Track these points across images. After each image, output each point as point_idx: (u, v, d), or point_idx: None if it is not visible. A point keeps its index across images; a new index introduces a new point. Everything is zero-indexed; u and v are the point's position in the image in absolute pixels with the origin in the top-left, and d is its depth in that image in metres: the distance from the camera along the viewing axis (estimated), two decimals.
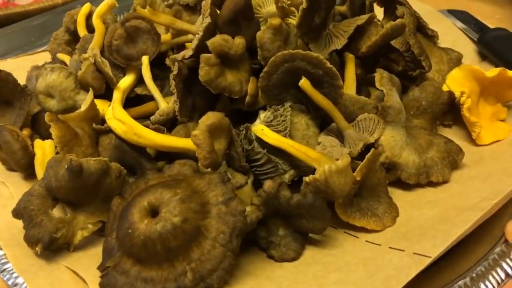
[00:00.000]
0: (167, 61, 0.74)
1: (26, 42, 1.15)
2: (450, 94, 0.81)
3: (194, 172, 0.67)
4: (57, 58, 0.89)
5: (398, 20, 0.80)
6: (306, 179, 0.63)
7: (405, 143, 0.74)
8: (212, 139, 0.64)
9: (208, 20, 0.70)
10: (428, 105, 0.81)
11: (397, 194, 0.73)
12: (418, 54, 0.85)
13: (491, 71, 0.80)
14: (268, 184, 0.64)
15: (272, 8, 0.79)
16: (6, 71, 0.80)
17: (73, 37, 0.96)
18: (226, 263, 0.59)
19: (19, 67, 0.98)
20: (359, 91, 0.82)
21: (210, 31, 0.71)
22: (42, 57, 1.04)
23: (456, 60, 0.95)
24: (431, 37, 0.96)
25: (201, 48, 0.71)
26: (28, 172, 0.77)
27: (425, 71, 0.85)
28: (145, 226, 0.59)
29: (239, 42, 0.71)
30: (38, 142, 0.77)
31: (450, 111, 0.84)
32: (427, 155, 0.74)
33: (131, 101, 0.81)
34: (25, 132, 0.80)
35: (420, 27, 0.95)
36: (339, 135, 0.75)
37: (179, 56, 0.73)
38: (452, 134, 0.83)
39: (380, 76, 0.76)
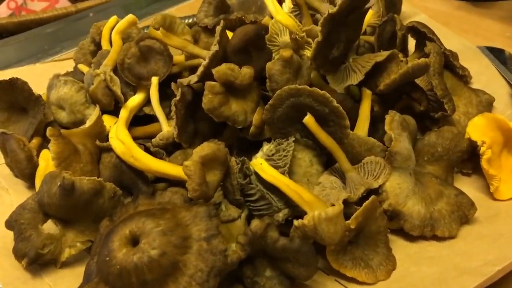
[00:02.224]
0: (173, 86, 0.73)
1: (39, 50, 1.18)
2: (471, 142, 0.76)
3: (185, 201, 0.65)
4: (78, 69, 0.90)
5: (421, 60, 0.76)
6: (295, 223, 0.61)
7: (412, 192, 0.69)
8: (204, 171, 0.63)
9: (215, 48, 0.69)
10: (444, 152, 0.76)
11: (398, 244, 0.69)
12: (441, 96, 0.80)
13: None
14: (255, 224, 0.62)
15: (287, 38, 0.77)
16: (23, 79, 0.82)
17: (98, 48, 0.96)
18: None
19: (45, 72, 1.01)
20: (376, 129, 0.78)
21: (216, 59, 0.69)
22: (70, 64, 1.06)
23: (486, 104, 0.89)
24: (462, 76, 0.91)
25: (207, 75, 0.69)
26: (31, 181, 0.78)
27: (447, 114, 0.80)
28: (122, 255, 0.57)
29: (245, 72, 0.70)
30: (44, 153, 0.77)
31: (470, 160, 0.79)
32: (435, 206, 0.70)
33: (142, 119, 0.81)
34: (35, 141, 0.81)
35: (450, 66, 0.90)
36: (343, 176, 0.71)
37: (185, 81, 0.72)
38: (470, 183, 0.78)
39: (391, 119, 0.72)
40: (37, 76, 1.01)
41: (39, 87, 0.90)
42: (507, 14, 1.19)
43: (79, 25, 1.29)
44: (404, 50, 0.94)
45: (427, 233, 0.68)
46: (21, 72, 1.05)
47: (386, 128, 0.71)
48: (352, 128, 0.75)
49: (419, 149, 0.76)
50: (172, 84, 0.74)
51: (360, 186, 0.67)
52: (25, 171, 0.76)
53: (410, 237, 0.69)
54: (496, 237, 0.67)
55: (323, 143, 0.69)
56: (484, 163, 0.74)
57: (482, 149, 0.74)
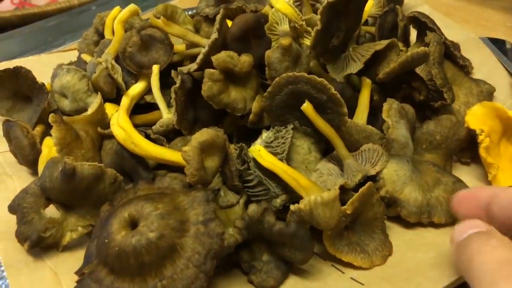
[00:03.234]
0: (173, 74, 0.74)
1: (43, 42, 1.20)
2: (469, 130, 0.76)
3: (184, 187, 0.66)
4: (81, 59, 0.92)
5: (420, 49, 0.76)
6: (292, 207, 0.61)
7: (409, 179, 0.70)
8: (202, 156, 0.64)
9: (215, 35, 0.69)
10: (443, 140, 0.76)
11: (395, 231, 0.70)
12: (440, 85, 0.80)
13: None
14: (252, 209, 0.62)
15: (287, 27, 0.77)
16: (27, 68, 0.83)
17: (101, 38, 0.97)
18: (197, 285, 0.58)
19: (50, 63, 1.02)
20: (375, 118, 0.79)
21: (216, 47, 0.70)
22: (75, 54, 1.08)
23: (487, 94, 0.89)
24: (463, 66, 0.91)
25: (207, 63, 0.70)
26: (34, 168, 0.79)
27: (447, 103, 0.81)
28: (121, 237, 0.58)
29: (245, 60, 0.70)
30: (47, 140, 0.79)
31: (468, 148, 0.79)
32: (432, 193, 0.70)
33: (143, 107, 0.82)
34: (39, 128, 0.82)
35: (451, 56, 0.90)
36: (341, 163, 0.72)
37: (185, 69, 0.73)
38: (469, 172, 0.79)
39: (389, 107, 0.73)
40: (42, 66, 1.02)
41: (43, 77, 0.91)
42: (509, 4, 1.19)
43: (82, 18, 1.31)
44: (405, 40, 0.94)
45: (424, 220, 0.69)
46: (26, 63, 1.05)
47: (384, 115, 0.72)
48: (351, 117, 0.76)
49: (417, 137, 0.76)
50: (172, 71, 0.75)
51: (357, 173, 0.68)
52: (28, 158, 0.77)
53: (407, 224, 0.70)
54: None
55: (321, 130, 0.69)
56: (482, 151, 0.74)
57: (480, 137, 0.74)
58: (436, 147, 0.77)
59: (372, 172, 0.69)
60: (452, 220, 0.69)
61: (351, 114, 0.76)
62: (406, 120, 0.73)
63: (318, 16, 0.71)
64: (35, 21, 1.33)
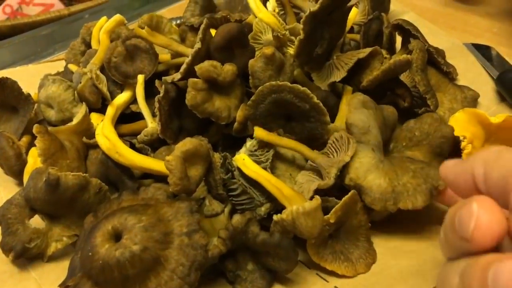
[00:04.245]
0: (157, 83, 0.74)
1: (32, 52, 1.20)
2: (453, 128, 0.75)
3: (168, 197, 0.66)
4: (68, 69, 0.92)
5: (403, 56, 0.77)
6: (275, 217, 0.62)
7: (374, 166, 0.67)
8: (185, 166, 0.64)
9: (198, 45, 0.70)
10: (423, 137, 0.74)
11: (379, 239, 0.70)
12: (423, 92, 0.81)
13: (497, 117, 0.75)
14: (236, 219, 0.63)
15: (271, 36, 0.78)
16: (12, 79, 0.83)
17: (88, 48, 0.98)
18: None
19: (38, 73, 1.02)
20: None
21: (199, 57, 0.71)
22: (63, 64, 1.08)
23: (471, 100, 0.90)
24: (447, 73, 0.92)
25: (191, 72, 0.71)
26: (20, 178, 0.79)
27: (430, 110, 0.81)
28: (105, 250, 0.58)
29: (228, 69, 0.71)
30: (33, 151, 0.79)
31: (453, 155, 0.79)
32: (399, 181, 0.67)
33: (129, 117, 0.83)
34: (25, 139, 0.82)
35: (434, 63, 0.91)
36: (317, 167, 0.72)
37: (168, 78, 0.73)
38: None
39: (352, 97, 0.72)
40: (30, 76, 1.02)
41: (31, 87, 0.91)
42: (494, 10, 1.20)
43: (73, 27, 1.31)
44: (391, 48, 0.95)
45: (390, 207, 0.65)
46: (14, 73, 1.07)
47: (344, 103, 0.71)
48: None
49: (397, 135, 0.75)
50: (156, 81, 0.75)
51: (330, 168, 0.67)
52: (14, 168, 0.77)
53: (391, 232, 0.70)
54: None
55: (283, 146, 0.70)
56: (464, 157, 0.74)
57: (463, 144, 0.74)
58: (416, 143, 0.74)
59: (347, 159, 0.67)
60: (419, 205, 0.65)
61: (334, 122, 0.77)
62: (372, 111, 0.71)
63: (301, 26, 0.71)
64: (25, 31, 1.33)
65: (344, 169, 0.67)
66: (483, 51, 1.01)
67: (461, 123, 0.77)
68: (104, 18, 0.95)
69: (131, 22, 1.29)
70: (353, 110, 0.69)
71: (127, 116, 0.82)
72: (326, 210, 0.65)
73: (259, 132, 0.68)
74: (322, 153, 0.70)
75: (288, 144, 0.69)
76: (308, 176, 0.70)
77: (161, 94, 0.71)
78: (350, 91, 0.78)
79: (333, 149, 0.70)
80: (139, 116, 0.82)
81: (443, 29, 1.12)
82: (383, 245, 0.69)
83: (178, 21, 1.10)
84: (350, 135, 0.69)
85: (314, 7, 0.70)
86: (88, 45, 0.98)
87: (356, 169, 0.67)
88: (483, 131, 0.77)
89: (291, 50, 0.78)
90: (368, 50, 0.78)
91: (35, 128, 0.71)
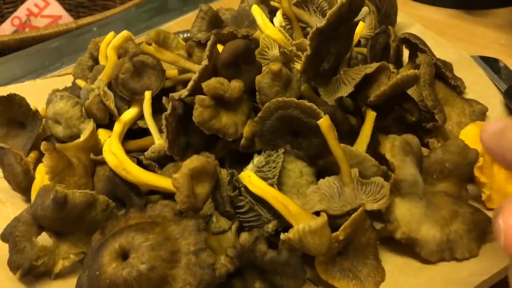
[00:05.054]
0: (164, 100, 0.74)
1: (40, 67, 1.20)
2: (477, 152, 0.73)
3: (175, 214, 0.66)
4: (76, 84, 0.92)
5: (410, 71, 0.76)
6: (282, 236, 0.61)
7: (424, 216, 0.67)
8: (192, 183, 0.64)
9: (205, 62, 0.70)
10: (454, 167, 0.72)
11: (387, 255, 0.69)
12: (431, 107, 0.80)
13: None
14: (244, 237, 0.62)
15: (278, 51, 0.78)
16: (20, 95, 0.84)
17: (96, 63, 0.98)
18: None
19: (46, 88, 1.03)
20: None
21: (207, 73, 0.71)
22: (71, 79, 1.08)
23: (479, 113, 0.89)
24: (455, 86, 0.92)
25: (198, 89, 0.71)
26: (28, 195, 0.79)
27: (438, 124, 0.81)
28: (112, 269, 0.58)
29: (235, 85, 0.71)
30: (40, 167, 0.79)
31: None
32: (450, 228, 0.68)
33: (137, 133, 0.83)
34: (33, 155, 0.83)
35: (442, 76, 0.91)
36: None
37: (176, 95, 0.73)
38: None
39: (391, 146, 0.70)
40: (38, 91, 1.03)
41: (39, 102, 0.92)
42: (502, 21, 1.20)
43: (80, 41, 1.32)
44: (398, 61, 0.95)
45: (447, 257, 0.67)
46: (22, 88, 1.07)
47: (387, 155, 0.69)
48: (346, 139, 0.75)
49: (426, 167, 0.73)
50: (164, 98, 0.75)
51: (347, 204, 0.67)
52: (22, 185, 0.78)
53: (400, 248, 0.69)
54: (485, 248, 0.67)
55: (331, 150, 0.68)
56: (475, 171, 0.74)
57: None
58: (447, 175, 0.73)
59: (369, 207, 0.66)
60: (476, 253, 0.67)
61: (344, 136, 0.76)
62: (412, 155, 0.70)
63: (308, 42, 0.71)
64: (33, 45, 1.34)
65: (393, 222, 0.67)
66: (491, 64, 1.00)
67: (471, 137, 0.76)
68: (111, 33, 0.95)
69: (139, 35, 1.30)
70: (401, 164, 0.67)
71: (135, 132, 0.82)
72: (335, 226, 0.65)
73: (325, 121, 0.65)
74: (356, 181, 0.69)
75: (338, 154, 0.67)
76: (329, 187, 0.69)
77: (168, 111, 0.71)
78: (373, 116, 0.76)
79: (368, 187, 0.68)
80: (146, 132, 0.82)
81: (450, 40, 1.11)
82: (391, 262, 0.68)
83: (185, 35, 1.10)
84: (395, 191, 0.68)
85: (321, 23, 0.69)
86: (95, 60, 0.99)
87: (408, 223, 0.66)
88: None
89: (298, 66, 0.78)
90: (375, 65, 0.78)
91: (43, 146, 0.71)
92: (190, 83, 0.71)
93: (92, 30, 1.40)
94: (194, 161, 0.65)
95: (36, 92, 1.03)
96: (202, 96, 0.70)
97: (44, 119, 0.86)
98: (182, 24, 1.32)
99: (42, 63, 1.23)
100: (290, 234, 0.60)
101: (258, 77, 0.72)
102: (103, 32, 1.27)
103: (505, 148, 0.47)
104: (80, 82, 0.91)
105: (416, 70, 0.77)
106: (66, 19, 2.01)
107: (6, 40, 1.35)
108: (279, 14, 0.90)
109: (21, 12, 2.04)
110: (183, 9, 1.46)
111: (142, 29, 1.35)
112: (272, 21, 0.87)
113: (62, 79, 1.09)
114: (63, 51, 1.30)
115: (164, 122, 0.70)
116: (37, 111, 0.84)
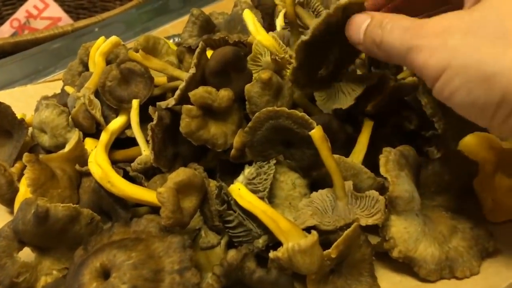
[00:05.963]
0: (150, 110, 0.72)
1: (34, 71, 1.18)
2: (477, 164, 0.70)
3: (160, 229, 0.63)
4: (65, 91, 0.90)
5: (409, 79, 0.74)
6: (271, 255, 0.58)
7: (422, 233, 0.64)
8: (178, 198, 0.61)
9: (193, 70, 0.67)
10: (453, 180, 0.69)
11: (383, 272, 0.66)
12: (430, 115, 0.77)
13: (509, 142, 0.71)
14: (231, 255, 0.60)
15: (269, 58, 0.75)
16: (5, 104, 0.82)
17: (86, 69, 0.96)
18: None
19: (36, 94, 1.00)
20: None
21: (194, 82, 0.68)
22: (61, 85, 1.06)
23: None
24: None
25: (185, 98, 0.68)
26: (12, 207, 0.77)
27: (438, 133, 0.77)
28: None
29: (223, 94, 0.68)
30: (24, 179, 0.76)
31: None
32: (449, 244, 0.65)
33: (125, 142, 0.80)
34: (18, 165, 0.80)
35: None
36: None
37: (163, 104, 0.70)
38: None
39: (385, 160, 0.66)
40: (28, 97, 1.01)
41: (30, 109, 0.90)
42: None
43: (78, 44, 1.29)
44: (397, 66, 0.92)
45: (446, 276, 0.64)
46: (12, 94, 1.05)
47: (382, 170, 0.65)
48: (342, 150, 0.72)
49: (424, 180, 0.70)
50: (150, 108, 0.72)
51: (340, 219, 0.64)
52: (5, 196, 0.75)
53: (397, 265, 0.66)
54: (486, 265, 0.64)
55: (324, 163, 0.65)
56: (475, 184, 0.70)
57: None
58: (446, 187, 0.70)
59: (363, 222, 0.63)
60: (477, 271, 0.64)
61: (339, 146, 0.73)
62: (407, 168, 0.67)
63: (294, 54, 0.67)
64: (27, 48, 1.32)
65: (389, 240, 0.64)
66: None
67: (471, 148, 0.72)
68: (102, 38, 0.92)
69: (139, 36, 1.27)
70: (395, 180, 0.64)
71: (123, 141, 0.80)
72: (328, 241, 0.62)
73: (317, 132, 0.63)
74: (351, 195, 0.66)
75: (331, 167, 0.64)
76: (322, 200, 0.66)
77: (154, 122, 0.68)
78: (371, 125, 0.73)
79: (363, 201, 0.66)
80: (135, 142, 0.79)
81: None
82: (387, 279, 0.65)
83: (177, 39, 1.07)
84: (390, 207, 0.65)
85: (306, 35, 0.65)
86: (86, 66, 0.96)
87: (405, 241, 0.63)
88: (494, 156, 0.73)
89: (289, 73, 0.75)
90: (376, 76, 0.74)
91: (25, 157, 0.69)
92: (177, 92, 0.68)
93: (94, 31, 1.37)
94: (180, 174, 0.62)
95: (26, 99, 1.01)
96: (189, 106, 0.67)
97: (31, 128, 0.84)
98: (179, 26, 1.28)
99: (36, 67, 1.21)
100: (279, 253, 0.57)
101: (247, 86, 0.69)
102: (107, 32, 1.24)
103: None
104: (69, 89, 0.88)
105: (415, 78, 0.74)
106: (66, 21, 1.98)
107: (0, 43, 1.33)
108: (281, 16, 0.87)
109: (20, 14, 2.02)
110: (180, 11, 1.44)
111: (142, 29, 1.33)
112: (272, 23, 0.84)
113: (54, 84, 1.07)
114: (59, 55, 1.28)
115: (149, 133, 0.68)
116: (23, 119, 0.82)
